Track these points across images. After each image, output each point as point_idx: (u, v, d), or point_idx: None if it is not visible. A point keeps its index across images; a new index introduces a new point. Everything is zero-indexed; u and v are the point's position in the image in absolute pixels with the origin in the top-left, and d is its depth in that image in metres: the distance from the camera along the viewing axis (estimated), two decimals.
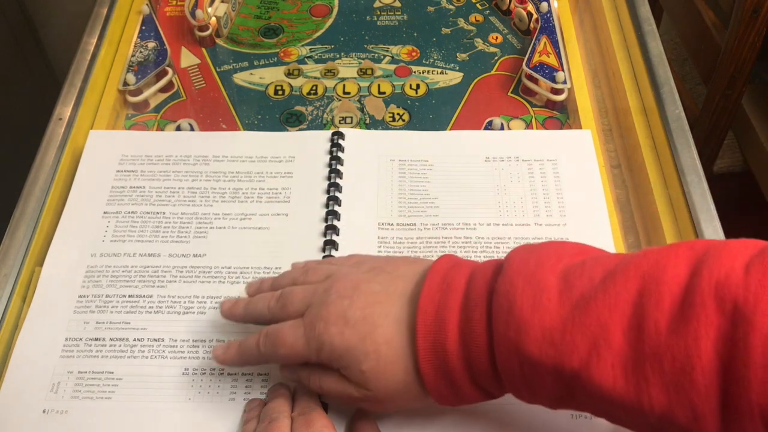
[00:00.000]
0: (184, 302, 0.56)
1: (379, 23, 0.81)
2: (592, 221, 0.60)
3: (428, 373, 0.43)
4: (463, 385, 0.43)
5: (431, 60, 0.77)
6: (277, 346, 0.47)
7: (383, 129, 0.70)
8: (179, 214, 0.61)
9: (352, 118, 0.71)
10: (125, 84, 0.71)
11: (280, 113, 0.72)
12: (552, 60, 0.72)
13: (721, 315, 0.35)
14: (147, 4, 0.79)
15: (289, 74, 0.76)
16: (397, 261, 0.49)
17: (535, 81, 0.71)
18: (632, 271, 0.38)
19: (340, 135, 0.66)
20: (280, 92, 0.74)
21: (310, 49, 0.78)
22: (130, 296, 0.56)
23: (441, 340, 0.42)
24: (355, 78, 0.75)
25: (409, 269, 0.47)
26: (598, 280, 0.39)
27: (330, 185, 0.63)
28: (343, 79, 0.75)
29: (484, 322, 0.41)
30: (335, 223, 0.60)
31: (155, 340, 0.54)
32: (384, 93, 0.74)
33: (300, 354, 0.46)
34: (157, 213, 0.61)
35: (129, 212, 0.61)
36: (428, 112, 0.72)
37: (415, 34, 0.80)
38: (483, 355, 0.41)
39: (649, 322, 0.36)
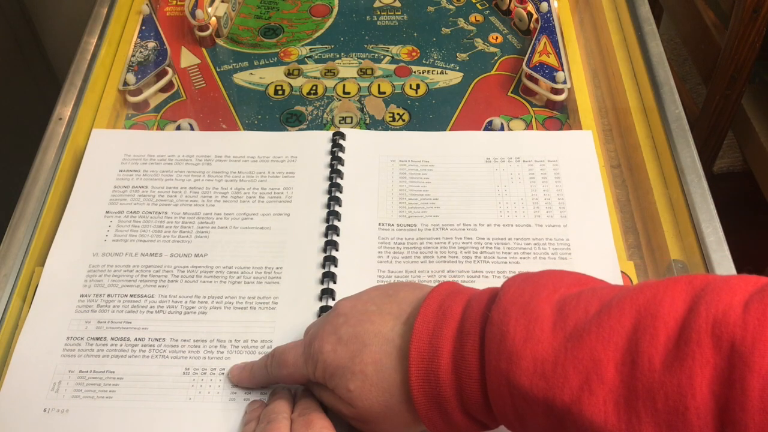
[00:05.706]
0: (186, 302, 0.56)
1: (379, 23, 0.81)
2: (592, 221, 0.60)
3: (420, 401, 0.42)
4: (455, 414, 0.42)
5: (431, 60, 0.77)
6: (281, 366, 0.48)
7: (383, 129, 0.70)
8: (181, 214, 0.61)
9: (352, 118, 0.71)
10: (125, 84, 0.71)
11: (280, 113, 0.72)
12: (552, 60, 0.72)
13: (718, 354, 0.34)
14: (147, 4, 0.79)
15: (289, 74, 0.76)
16: (401, 285, 0.49)
17: (535, 81, 0.71)
18: (628, 305, 0.37)
19: (341, 135, 0.66)
20: (280, 92, 0.74)
21: (310, 49, 0.78)
22: (131, 296, 0.56)
23: (434, 368, 0.42)
24: (355, 78, 0.75)
25: (408, 294, 0.47)
26: (593, 313, 0.38)
27: (331, 185, 0.63)
28: (343, 79, 0.75)
29: (476, 352, 0.40)
30: (336, 223, 0.60)
31: (156, 339, 0.54)
32: (384, 93, 0.74)
33: (301, 373, 0.47)
34: (159, 213, 0.61)
35: (131, 212, 0.61)
36: (428, 112, 0.72)
37: (415, 34, 0.80)
38: (474, 385, 0.41)
39: (643, 357, 0.35)
